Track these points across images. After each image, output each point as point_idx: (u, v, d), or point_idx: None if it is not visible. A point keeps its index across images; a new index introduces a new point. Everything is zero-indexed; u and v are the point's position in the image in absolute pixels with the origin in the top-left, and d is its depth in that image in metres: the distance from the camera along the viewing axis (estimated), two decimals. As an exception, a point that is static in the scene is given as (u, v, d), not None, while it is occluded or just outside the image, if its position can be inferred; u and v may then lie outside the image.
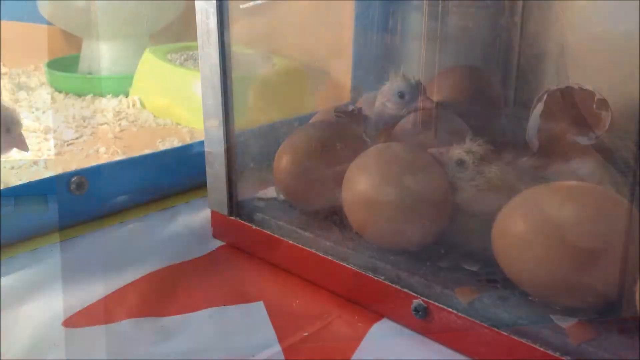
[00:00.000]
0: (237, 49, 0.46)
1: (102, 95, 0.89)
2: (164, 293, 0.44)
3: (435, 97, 0.57)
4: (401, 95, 0.51)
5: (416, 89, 0.51)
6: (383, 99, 0.52)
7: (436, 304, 0.38)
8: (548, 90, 0.50)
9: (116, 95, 0.89)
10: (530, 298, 0.37)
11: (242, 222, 0.49)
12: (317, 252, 0.44)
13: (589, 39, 0.57)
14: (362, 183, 0.42)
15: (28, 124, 0.74)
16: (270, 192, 0.51)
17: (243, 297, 0.44)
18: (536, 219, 0.36)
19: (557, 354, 0.33)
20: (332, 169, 0.46)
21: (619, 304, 0.34)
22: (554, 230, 0.35)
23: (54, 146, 0.68)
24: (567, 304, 0.35)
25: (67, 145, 0.69)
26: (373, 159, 0.44)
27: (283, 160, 0.48)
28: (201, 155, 0.49)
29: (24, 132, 0.69)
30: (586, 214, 0.35)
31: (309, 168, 0.47)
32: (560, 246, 0.34)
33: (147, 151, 0.64)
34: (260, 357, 0.38)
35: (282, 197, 0.50)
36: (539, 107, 0.49)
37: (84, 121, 0.78)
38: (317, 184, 0.47)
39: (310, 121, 0.54)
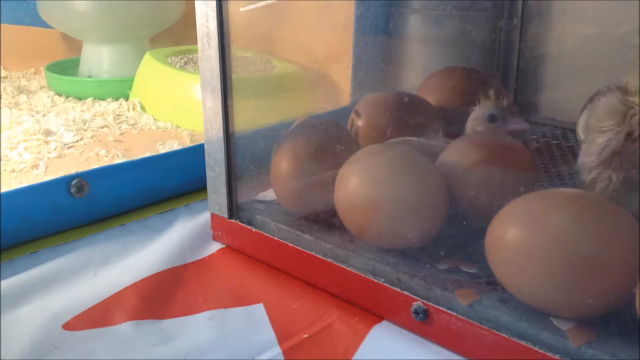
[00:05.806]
0: (237, 52, 0.46)
1: (102, 98, 0.90)
2: (164, 295, 0.44)
3: (430, 98, 0.57)
4: (492, 120, 0.49)
5: (506, 112, 0.49)
6: (474, 123, 0.50)
7: (436, 306, 0.38)
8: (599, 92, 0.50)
9: (116, 98, 0.89)
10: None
11: (242, 224, 0.49)
12: (316, 255, 0.44)
13: (587, 41, 0.57)
14: (353, 184, 0.42)
15: (28, 127, 0.74)
16: (270, 194, 0.51)
17: (243, 299, 0.44)
18: (530, 228, 0.35)
19: (557, 356, 0.33)
20: (330, 172, 0.46)
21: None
22: (548, 239, 0.34)
23: (54, 149, 0.68)
24: (565, 314, 0.35)
25: (68, 148, 0.70)
26: (364, 159, 0.44)
27: (282, 166, 0.48)
28: (201, 158, 0.49)
29: (25, 135, 0.70)
30: (581, 221, 0.34)
31: (309, 173, 0.47)
32: (555, 256, 0.34)
33: (147, 154, 0.64)
34: (261, 358, 0.38)
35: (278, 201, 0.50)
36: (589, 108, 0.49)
37: (84, 124, 0.78)
38: (316, 188, 0.47)
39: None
